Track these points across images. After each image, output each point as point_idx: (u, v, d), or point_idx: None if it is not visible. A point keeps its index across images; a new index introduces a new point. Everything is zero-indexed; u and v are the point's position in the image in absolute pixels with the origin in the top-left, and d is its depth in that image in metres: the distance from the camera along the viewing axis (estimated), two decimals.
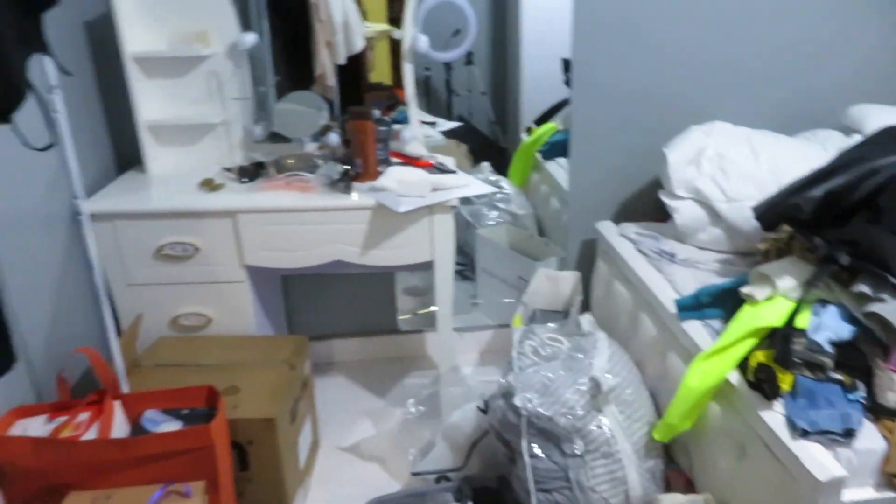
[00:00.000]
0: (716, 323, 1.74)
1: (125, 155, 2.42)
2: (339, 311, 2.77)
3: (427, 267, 2.21)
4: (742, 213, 2.05)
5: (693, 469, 1.74)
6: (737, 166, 2.12)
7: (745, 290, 1.68)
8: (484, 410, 2.08)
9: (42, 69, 1.48)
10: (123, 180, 2.33)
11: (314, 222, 2.10)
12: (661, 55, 2.38)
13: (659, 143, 2.27)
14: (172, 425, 1.79)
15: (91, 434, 1.70)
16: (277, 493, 1.94)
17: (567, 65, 2.49)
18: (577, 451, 1.69)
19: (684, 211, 2.15)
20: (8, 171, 1.78)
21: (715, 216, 2.13)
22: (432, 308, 2.96)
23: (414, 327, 2.87)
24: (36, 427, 1.72)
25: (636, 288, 2.05)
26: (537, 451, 1.73)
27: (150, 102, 2.31)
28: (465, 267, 3.08)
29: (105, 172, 2.35)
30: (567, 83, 2.51)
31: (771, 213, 1.78)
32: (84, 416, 1.76)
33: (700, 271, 2.00)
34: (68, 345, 2.01)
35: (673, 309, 1.80)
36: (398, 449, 2.24)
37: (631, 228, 2.28)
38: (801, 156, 2.11)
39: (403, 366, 2.78)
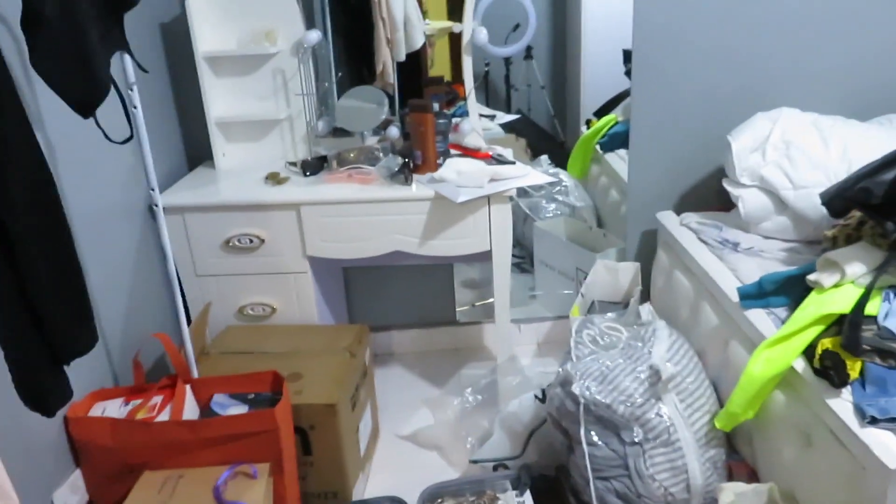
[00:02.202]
0: (780, 311, 1.69)
1: (195, 151, 2.53)
2: (398, 302, 2.82)
3: (485, 258, 2.23)
4: (809, 201, 1.99)
5: (756, 459, 1.70)
6: (804, 153, 2.06)
7: (812, 277, 1.63)
8: (542, 399, 2.09)
9: (121, 67, 1.57)
10: (194, 175, 2.43)
11: (374, 213, 2.14)
12: (726, 43, 2.31)
13: (722, 132, 2.22)
14: (239, 409, 1.86)
15: (164, 416, 1.77)
16: (339, 478, 1.98)
17: (628, 55, 2.47)
18: (636, 439, 1.68)
19: (749, 199, 2.10)
20: (90, 167, 1.88)
21: (781, 204, 2.08)
22: (490, 300, 2.98)
23: (472, 319, 2.89)
24: (113, 409, 1.81)
25: (697, 277, 2.02)
26: (595, 438, 1.73)
27: (219, 100, 2.40)
28: (524, 260, 3.08)
29: (177, 168, 2.46)
30: (628, 74, 2.48)
31: (839, 198, 1.72)
32: (157, 399, 1.84)
33: (765, 260, 1.95)
34: (142, 331, 2.11)
35: (735, 297, 1.77)
36: (456, 437, 2.26)
37: (693, 218, 2.24)
38: (875, 141, 2.02)
39: (461, 357, 2.80)
